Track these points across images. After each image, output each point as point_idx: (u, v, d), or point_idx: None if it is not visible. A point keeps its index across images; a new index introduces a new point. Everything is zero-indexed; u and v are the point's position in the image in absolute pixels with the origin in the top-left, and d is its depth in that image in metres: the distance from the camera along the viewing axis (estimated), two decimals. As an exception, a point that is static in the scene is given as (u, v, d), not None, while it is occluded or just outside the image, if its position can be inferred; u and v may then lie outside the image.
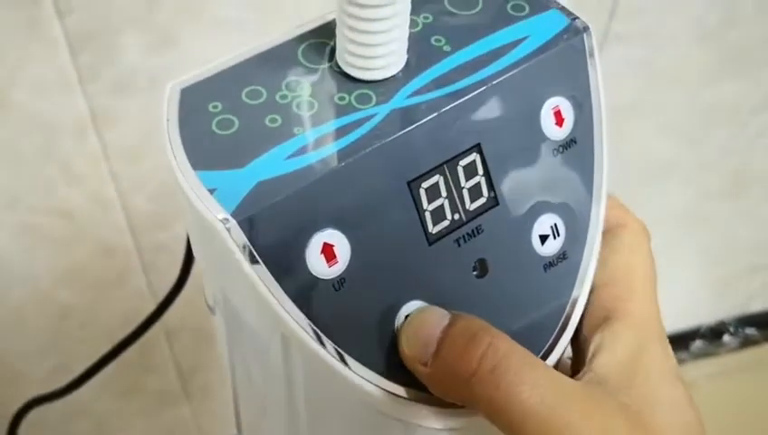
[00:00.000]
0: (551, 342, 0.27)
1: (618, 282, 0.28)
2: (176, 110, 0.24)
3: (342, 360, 0.24)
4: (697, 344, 1.12)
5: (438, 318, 0.24)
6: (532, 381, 0.23)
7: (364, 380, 0.24)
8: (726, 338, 1.13)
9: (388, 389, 0.25)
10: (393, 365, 0.25)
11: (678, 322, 1.13)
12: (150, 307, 0.71)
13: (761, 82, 0.78)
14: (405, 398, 0.25)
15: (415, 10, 0.27)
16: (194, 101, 0.24)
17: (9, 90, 0.57)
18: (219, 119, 0.24)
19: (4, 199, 0.64)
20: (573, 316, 0.27)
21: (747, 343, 1.13)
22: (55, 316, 0.76)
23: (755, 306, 1.16)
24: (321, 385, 0.26)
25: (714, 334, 1.13)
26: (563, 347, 0.28)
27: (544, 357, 0.27)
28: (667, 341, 0.27)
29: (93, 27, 0.55)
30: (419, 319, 0.25)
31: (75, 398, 0.63)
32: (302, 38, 0.26)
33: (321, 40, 0.26)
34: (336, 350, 0.24)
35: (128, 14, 0.55)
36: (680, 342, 1.12)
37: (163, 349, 0.85)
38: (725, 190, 0.90)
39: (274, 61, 0.26)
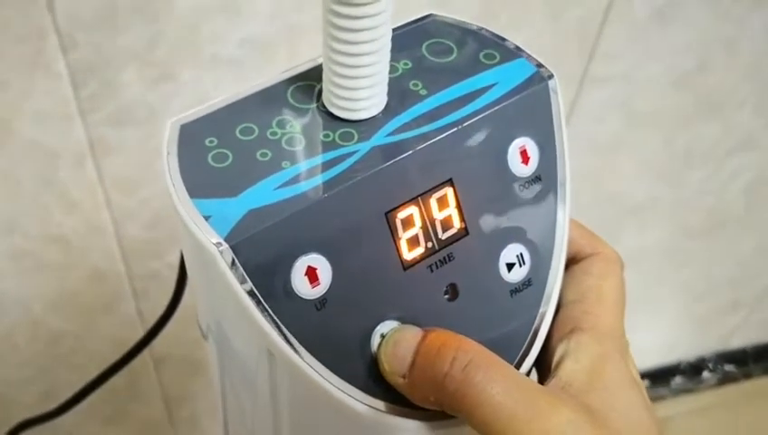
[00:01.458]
0: (518, 359, 0.29)
1: (586, 299, 0.30)
2: (175, 143, 0.26)
3: (323, 375, 0.26)
4: (677, 381, 1.14)
5: (413, 335, 0.27)
6: (501, 377, 0.25)
7: (344, 394, 0.27)
8: (706, 374, 1.15)
9: (367, 402, 0.27)
10: (371, 380, 0.27)
11: (658, 358, 1.15)
12: (140, 335, 0.73)
13: (734, 126, 0.81)
14: (383, 411, 0.27)
15: (395, 57, 0.29)
16: (192, 136, 0.27)
17: (12, 119, 0.59)
18: (215, 153, 0.26)
19: (1, 225, 0.66)
20: (539, 336, 0.30)
21: (726, 379, 1.15)
22: (46, 342, 0.77)
23: (734, 343, 1.18)
24: (305, 402, 0.28)
25: (693, 371, 1.15)
26: (530, 364, 0.30)
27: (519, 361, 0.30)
28: (630, 355, 0.29)
29: (96, 62, 0.58)
30: (395, 337, 0.27)
31: (62, 423, 0.65)
32: (291, 80, 0.29)
33: (309, 82, 0.29)
34: (318, 365, 0.26)
35: (129, 50, 0.57)
36: (660, 378, 1.14)
37: (151, 377, 0.86)
38: (703, 228, 0.92)
39: (266, 101, 0.28)
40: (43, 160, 0.63)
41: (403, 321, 0.27)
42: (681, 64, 0.73)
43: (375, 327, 0.27)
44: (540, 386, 0.26)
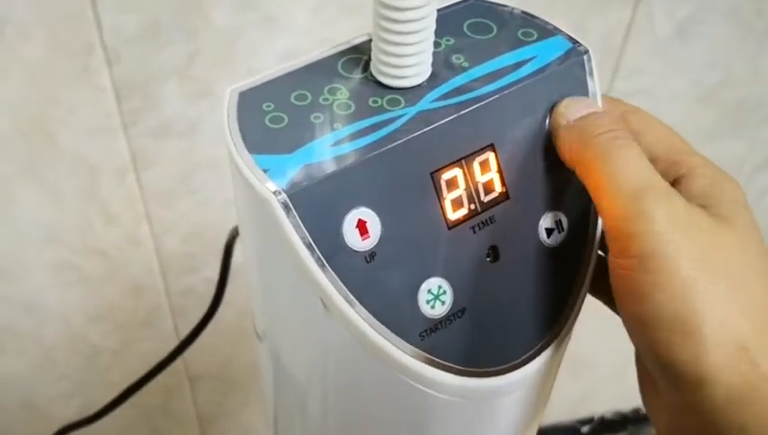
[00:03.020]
0: (559, 321, 0.31)
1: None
2: (235, 107, 0.28)
3: (373, 326, 0.28)
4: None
5: (599, 108, 0.30)
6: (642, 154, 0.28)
7: (392, 344, 0.28)
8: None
9: (412, 354, 0.28)
10: (418, 334, 0.28)
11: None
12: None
13: (760, 142, 0.82)
14: (424, 362, 0.28)
15: (439, 34, 0.31)
16: (250, 102, 0.29)
17: (59, 132, 0.61)
18: (271, 115, 0.28)
19: (45, 237, 0.68)
20: (579, 299, 0.31)
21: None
22: (85, 357, 0.79)
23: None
24: (354, 357, 0.29)
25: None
26: (570, 327, 0.31)
27: (558, 325, 0.31)
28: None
29: (138, 76, 0.60)
30: (586, 99, 0.30)
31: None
32: (341, 54, 0.31)
33: (358, 55, 0.31)
34: (368, 316, 0.27)
35: (170, 65, 0.60)
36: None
37: (186, 396, 0.87)
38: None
39: (318, 71, 0.30)
40: (86, 173, 0.65)
41: (447, 279, 0.29)
42: (704, 80, 0.74)
43: (421, 284, 0.28)
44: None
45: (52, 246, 0.69)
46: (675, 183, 0.30)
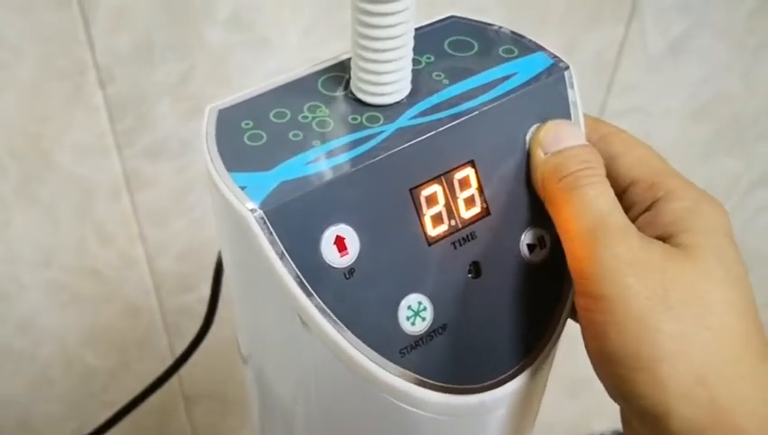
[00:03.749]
0: (543, 336, 0.31)
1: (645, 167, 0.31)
2: (213, 125, 0.28)
3: (352, 343, 0.27)
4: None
5: (579, 137, 0.30)
6: (608, 197, 0.28)
7: (372, 362, 0.28)
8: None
9: (394, 372, 0.28)
10: (398, 351, 0.28)
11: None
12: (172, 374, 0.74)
13: (755, 159, 0.82)
14: (410, 382, 0.28)
15: (419, 52, 0.31)
16: (229, 119, 0.29)
17: (53, 151, 0.61)
18: (250, 133, 0.28)
19: (40, 258, 0.68)
20: (563, 315, 0.31)
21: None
22: (80, 377, 0.78)
23: None
24: (334, 374, 0.29)
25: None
26: (555, 342, 0.31)
27: (541, 342, 0.31)
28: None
29: (132, 96, 0.60)
30: (565, 125, 0.30)
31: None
32: (321, 72, 0.31)
33: (338, 73, 0.31)
34: (347, 333, 0.27)
35: (163, 85, 0.60)
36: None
37: (181, 416, 0.87)
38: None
39: (298, 89, 0.30)
40: (80, 193, 0.65)
41: (429, 295, 0.29)
42: (698, 96, 0.74)
43: (401, 300, 0.28)
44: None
45: (47, 266, 0.69)
46: (651, 206, 0.30)
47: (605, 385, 0.28)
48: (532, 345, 0.31)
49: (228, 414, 0.88)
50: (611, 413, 0.31)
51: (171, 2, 0.56)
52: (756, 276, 0.91)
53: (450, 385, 0.29)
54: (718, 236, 0.28)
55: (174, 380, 0.83)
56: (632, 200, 0.30)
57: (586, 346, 0.29)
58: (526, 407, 0.33)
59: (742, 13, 0.69)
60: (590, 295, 0.27)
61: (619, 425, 0.31)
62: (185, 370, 0.81)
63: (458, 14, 0.34)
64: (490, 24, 0.33)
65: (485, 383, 0.30)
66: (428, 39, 0.32)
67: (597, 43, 0.68)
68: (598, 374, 0.29)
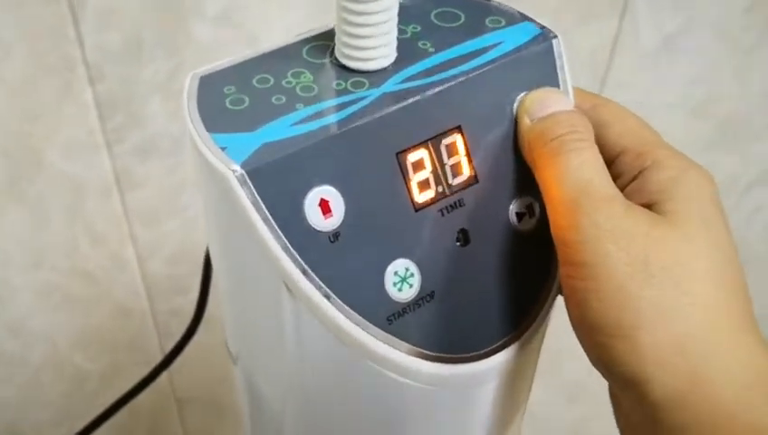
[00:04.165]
0: (533, 306, 0.30)
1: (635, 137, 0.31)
2: (195, 90, 0.28)
3: (337, 308, 0.27)
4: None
5: (566, 103, 0.30)
6: (593, 157, 0.28)
7: (357, 327, 0.27)
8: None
9: (376, 337, 0.27)
10: (382, 315, 0.28)
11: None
12: (163, 375, 0.73)
13: (753, 158, 0.81)
14: (392, 347, 0.28)
15: (405, 22, 0.31)
16: (211, 85, 0.28)
17: (42, 149, 0.61)
18: (232, 98, 0.28)
19: (31, 259, 0.68)
20: (553, 286, 0.30)
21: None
22: (71, 381, 0.78)
23: None
24: (319, 342, 0.28)
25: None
26: (547, 312, 0.30)
27: (531, 313, 0.30)
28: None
29: (122, 94, 0.60)
30: (552, 92, 0.30)
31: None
32: (306, 41, 0.31)
33: (323, 42, 0.30)
34: (333, 297, 0.27)
35: (153, 82, 0.60)
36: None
37: (173, 419, 0.86)
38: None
39: (282, 57, 0.30)
40: (70, 192, 0.64)
41: (416, 262, 0.28)
42: (693, 94, 0.74)
43: (388, 266, 0.28)
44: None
45: (38, 267, 0.68)
46: (638, 175, 0.29)
47: (588, 354, 0.28)
48: (522, 316, 0.30)
49: (221, 417, 0.87)
50: (610, 419, 0.30)
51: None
52: (754, 276, 0.91)
53: (439, 354, 0.29)
54: (704, 204, 0.28)
55: (166, 383, 0.82)
56: (621, 170, 0.30)
57: (569, 315, 0.28)
58: (518, 380, 0.32)
59: (736, 9, 0.69)
60: (571, 263, 0.27)
61: (616, 432, 0.30)
62: (177, 372, 0.81)
63: (445, -14, 0.33)
64: (477, -5, 0.33)
65: (475, 353, 0.29)
66: (415, 11, 0.32)
67: (590, 39, 0.68)
68: (581, 343, 0.28)
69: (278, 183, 0.26)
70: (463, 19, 0.32)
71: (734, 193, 0.84)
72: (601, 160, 0.28)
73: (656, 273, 0.26)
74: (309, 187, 0.26)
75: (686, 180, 0.28)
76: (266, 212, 0.25)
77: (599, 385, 0.29)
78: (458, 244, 0.29)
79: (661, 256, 0.26)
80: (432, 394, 0.30)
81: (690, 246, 0.27)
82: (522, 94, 0.30)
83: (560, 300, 0.31)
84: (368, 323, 0.27)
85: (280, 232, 0.26)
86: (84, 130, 0.61)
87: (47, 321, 0.72)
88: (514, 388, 0.32)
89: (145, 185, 0.66)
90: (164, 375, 0.80)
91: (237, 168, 0.25)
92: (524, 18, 0.32)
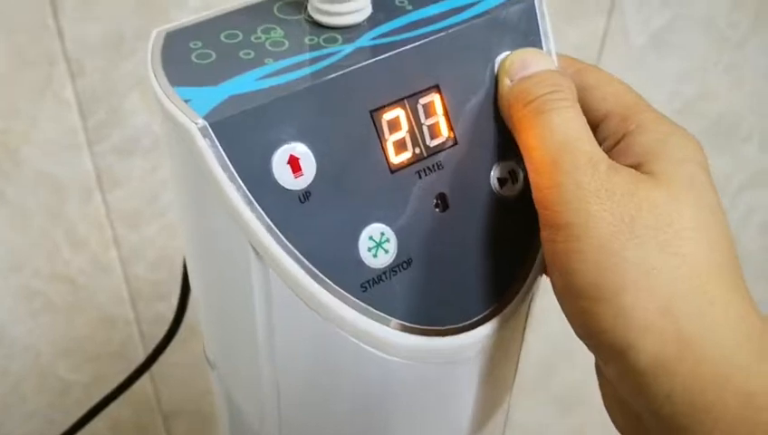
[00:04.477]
0: (517, 277, 0.29)
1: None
2: (160, 46, 0.27)
3: (308, 272, 0.25)
4: None
5: (548, 63, 0.28)
6: (576, 116, 0.27)
7: (328, 293, 0.26)
8: None
9: (349, 304, 0.26)
10: (356, 282, 0.26)
11: None
12: (148, 383, 0.72)
13: (744, 160, 0.80)
14: (366, 315, 0.26)
15: (382, -17, 0.30)
16: (177, 41, 0.27)
17: (21, 148, 0.60)
18: (198, 52, 0.26)
19: (11, 263, 0.66)
20: (538, 255, 0.29)
21: None
22: (54, 392, 0.76)
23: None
24: (291, 314, 0.27)
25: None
26: (531, 283, 0.29)
27: (514, 286, 0.29)
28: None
29: (102, 89, 0.59)
30: (534, 52, 0.29)
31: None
32: (278, -1, 0.29)
33: (296, 0, 0.29)
34: (303, 261, 0.25)
35: (134, 76, 0.59)
36: None
37: (159, 433, 0.84)
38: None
39: (252, 13, 0.28)
40: (51, 193, 0.63)
41: (391, 226, 0.27)
42: (683, 92, 0.73)
43: (362, 230, 0.26)
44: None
45: (18, 272, 0.67)
46: (623, 138, 0.28)
47: (571, 323, 0.27)
48: (505, 287, 0.29)
49: (207, 429, 0.85)
50: (604, 429, 0.29)
51: (142, -10, 0.55)
52: (748, 279, 0.89)
53: (417, 326, 0.27)
54: (690, 165, 0.27)
55: (151, 396, 0.80)
56: (605, 134, 0.29)
57: (552, 282, 0.27)
58: (501, 358, 0.30)
59: (723, 5, 0.68)
60: (552, 225, 0.26)
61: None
62: (162, 385, 0.79)
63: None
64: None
65: (455, 326, 0.28)
66: (392, -28, 0.31)
67: (578, 36, 0.67)
68: (564, 312, 0.27)
69: (244, 137, 0.24)
70: (442, -19, 0.30)
71: (726, 195, 0.83)
72: (584, 120, 0.27)
73: (640, 233, 0.25)
74: (278, 143, 0.25)
75: (671, 142, 0.27)
76: (231, 168, 0.24)
77: (592, 395, 0.28)
78: (437, 209, 0.28)
79: (646, 216, 0.25)
80: (410, 370, 0.28)
81: (676, 205, 0.25)
82: (503, 54, 0.29)
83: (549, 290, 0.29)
84: (340, 289, 0.26)
85: (246, 189, 0.24)
86: (65, 127, 0.60)
87: (28, 328, 0.70)
88: (498, 368, 0.31)
89: (127, 185, 0.64)
90: (149, 389, 0.79)
91: (200, 120, 0.24)
92: (506, -20, 0.30)
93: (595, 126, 0.29)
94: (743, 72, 0.73)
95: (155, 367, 0.78)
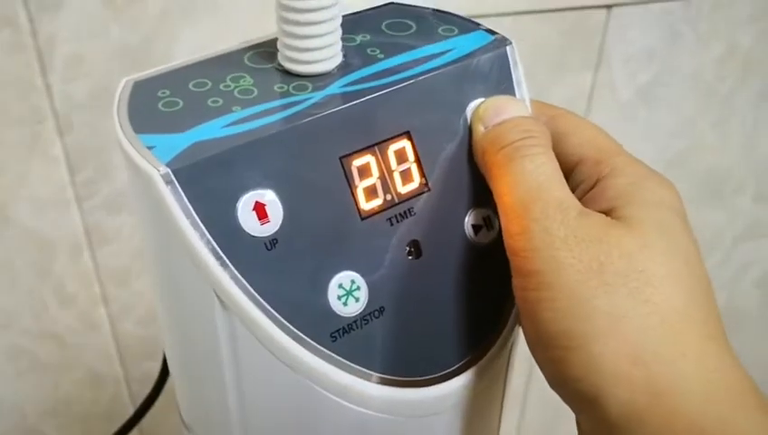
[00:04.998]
0: (494, 324, 0.28)
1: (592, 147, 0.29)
2: (127, 95, 0.26)
3: (275, 322, 0.25)
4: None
5: (522, 109, 0.28)
6: (548, 160, 0.27)
7: (296, 344, 0.25)
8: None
9: (319, 355, 0.25)
10: (325, 332, 0.26)
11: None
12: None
13: (738, 213, 0.80)
14: (336, 366, 0.25)
15: (354, 31, 0.30)
16: (144, 90, 0.27)
17: (9, 205, 0.60)
18: (165, 101, 0.26)
19: (-2, 320, 0.65)
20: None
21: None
22: (41, 455, 0.74)
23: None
24: (259, 363, 0.26)
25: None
26: (510, 330, 0.28)
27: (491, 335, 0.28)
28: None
29: (90, 145, 0.59)
30: (507, 99, 0.29)
31: None
32: (249, 48, 0.29)
33: (267, 49, 0.29)
34: (270, 311, 0.25)
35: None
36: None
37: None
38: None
39: (223, 63, 0.28)
40: (39, 250, 0.63)
41: (362, 274, 0.26)
42: (672, 145, 0.73)
43: (332, 278, 0.26)
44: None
45: (5, 330, 0.66)
46: (596, 183, 0.28)
47: (543, 372, 0.26)
48: (482, 336, 0.28)
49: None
50: None
51: (129, 49, 0.55)
52: (744, 335, 0.87)
53: (389, 377, 0.26)
54: (663, 210, 0.26)
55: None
56: (579, 179, 0.29)
57: (523, 331, 0.26)
58: (480, 409, 0.30)
59: (708, 60, 0.69)
60: (523, 273, 0.25)
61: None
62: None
63: (398, 1, 0.33)
64: (429, 8, 0.32)
65: (429, 377, 0.27)
66: (365, 21, 0.31)
67: (565, 92, 0.68)
68: (537, 361, 0.26)
69: (207, 184, 0.24)
70: (414, 28, 0.31)
71: (720, 249, 0.82)
72: (557, 166, 0.27)
73: (609, 280, 0.24)
74: (243, 189, 0.24)
75: (645, 186, 0.27)
76: (195, 215, 0.24)
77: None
78: (410, 256, 0.27)
79: (616, 262, 0.24)
80: (385, 422, 0.27)
81: (648, 251, 0.25)
82: (475, 101, 0.28)
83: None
84: (308, 339, 0.25)
85: (210, 236, 0.24)
86: (53, 184, 0.60)
87: (15, 388, 0.69)
88: (477, 420, 0.30)
89: (115, 241, 0.64)
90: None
91: (162, 167, 0.23)
92: (478, 27, 0.31)
93: (569, 171, 0.29)
94: (732, 125, 0.73)
95: (145, 421, 0.77)
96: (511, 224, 0.26)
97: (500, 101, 0.28)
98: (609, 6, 0.63)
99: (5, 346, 0.67)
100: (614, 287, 0.24)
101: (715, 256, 0.83)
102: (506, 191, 0.26)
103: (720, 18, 0.66)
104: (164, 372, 0.52)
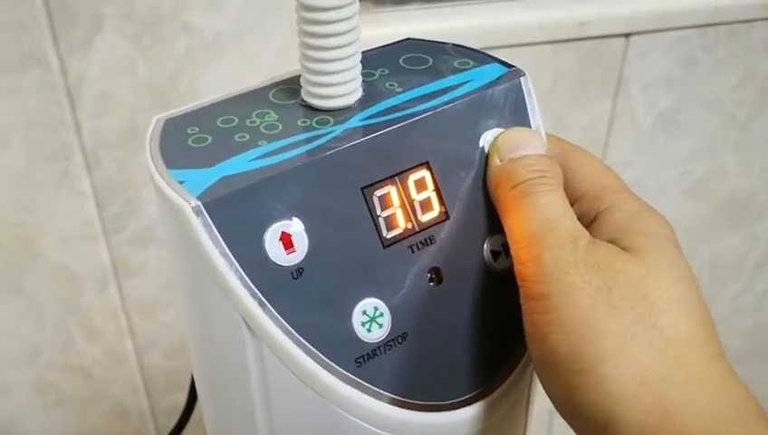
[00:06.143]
0: (512, 349, 0.28)
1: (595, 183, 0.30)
2: (159, 132, 0.28)
3: (301, 348, 0.26)
4: None
5: (538, 145, 0.29)
6: (558, 196, 0.28)
7: (322, 369, 0.26)
8: None
9: (343, 380, 0.26)
10: (350, 357, 0.26)
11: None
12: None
13: (759, 237, 0.80)
14: (361, 391, 0.26)
15: (373, 66, 0.31)
16: (175, 127, 0.28)
17: (37, 240, 0.61)
18: (195, 137, 0.27)
19: (26, 355, 0.66)
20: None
21: None
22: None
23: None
24: (286, 388, 0.27)
25: None
26: (526, 356, 0.29)
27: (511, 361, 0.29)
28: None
29: (118, 181, 0.60)
30: (524, 134, 0.29)
31: None
32: (273, 85, 0.30)
33: (291, 86, 0.30)
34: (296, 337, 0.25)
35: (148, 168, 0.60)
36: None
37: None
38: (743, 351, 0.89)
39: (248, 100, 0.30)
40: (66, 284, 0.64)
41: (385, 301, 0.27)
42: (693, 171, 0.73)
43: (356, 305, 0.27)
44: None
45: (32, 364, 0.67)
46: (596, 218, 0.29)
47: (553, 400, 0.27)
48: (502, 361, 0.29)
49: None
50: None
51: (156, 85, 0.57)
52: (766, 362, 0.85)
53: (412, 401, 0.27)
54: (661, 239, 0.27)
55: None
56: (580, 213, 0.30)
57: (532, 357, 0.27)
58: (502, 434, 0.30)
59: (727, 85, 0.69)
60: (533, 297, 0.26)
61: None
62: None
63: (415, 36, 0.34)
64: (445, 43, 0.33)
65: (451, 401, 0.28)
66: (383, 57, 0.32)
67: (586, 120, 0.68)
68: (546, 389, 0.27)
69: (236, 216, 0.25)
70: (431, 62, 0.32)
71: (742, 275, 0.82)
72: (567, 202, 0.28)
73: (618, 305, 0.25)
74: (269, 220, 0.25)
75: (642, 218, 0.28)
76: (224, 245, 0.25)
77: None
78: (431, 283, 0.28)
79: (623, 287, 0.25)
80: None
81: (652, 276, 0.26)
82: (493, 131, 0.29)
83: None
84: (334, 364, 0.26)
85: (238, 266, 0.25)
86: (81, 219, 0.61)
87: (41, 421, 0.70)
88: (500, 443, 0.30)
89: (142, 274, 0.65)
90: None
91: (194, 200, 0.24)
92: (493, 59, 0.32)
93: (571, 205, 0.30)
94: (751, 150, 0.74)
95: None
96: (522, 252, 0.27)
97: (518, 133, 0.29)
98: (627, 35, 0.64)
99: (32, 380, 0.68)
100: (622, 311, 0.25)
101: (738, 282, 0.82)
102: (518, 223, 0.27)
103: (736, 45, 0.67)
104: (190, 404, 0.52)
